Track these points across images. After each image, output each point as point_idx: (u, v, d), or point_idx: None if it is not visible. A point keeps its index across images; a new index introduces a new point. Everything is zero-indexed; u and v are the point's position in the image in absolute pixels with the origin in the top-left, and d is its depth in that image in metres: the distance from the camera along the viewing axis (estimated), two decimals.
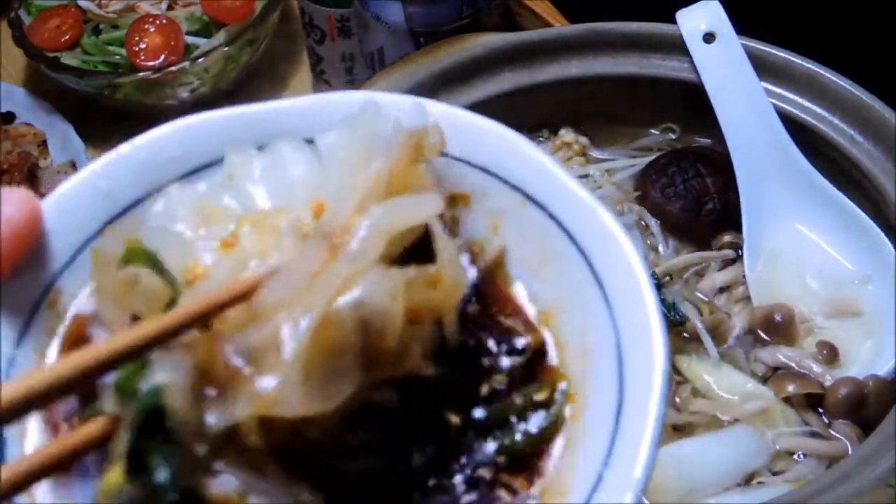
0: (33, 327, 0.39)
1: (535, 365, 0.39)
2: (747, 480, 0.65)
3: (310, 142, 0.41)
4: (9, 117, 1.06)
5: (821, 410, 0.68)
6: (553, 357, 0.39)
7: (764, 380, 0.69)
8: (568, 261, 0.39)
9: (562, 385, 0.38)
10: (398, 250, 0.37)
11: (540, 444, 0.37)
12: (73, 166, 1.00)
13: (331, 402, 0.34)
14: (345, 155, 0.39)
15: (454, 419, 0.38)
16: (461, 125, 0.41)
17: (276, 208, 0.39)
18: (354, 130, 0.40)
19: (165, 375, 0.33)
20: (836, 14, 0.91)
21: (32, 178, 0.98)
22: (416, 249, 0.38)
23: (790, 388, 0.67)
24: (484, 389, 0.39)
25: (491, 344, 0.39)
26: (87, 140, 1.02)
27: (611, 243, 0.37)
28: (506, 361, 0.39)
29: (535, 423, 0.37)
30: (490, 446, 0.37)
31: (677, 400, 0.69)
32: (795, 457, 0.66)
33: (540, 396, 0.38)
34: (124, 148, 0.42)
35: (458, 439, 0.37)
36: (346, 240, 0.35)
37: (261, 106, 0.43)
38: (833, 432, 0.67)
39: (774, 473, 0.65)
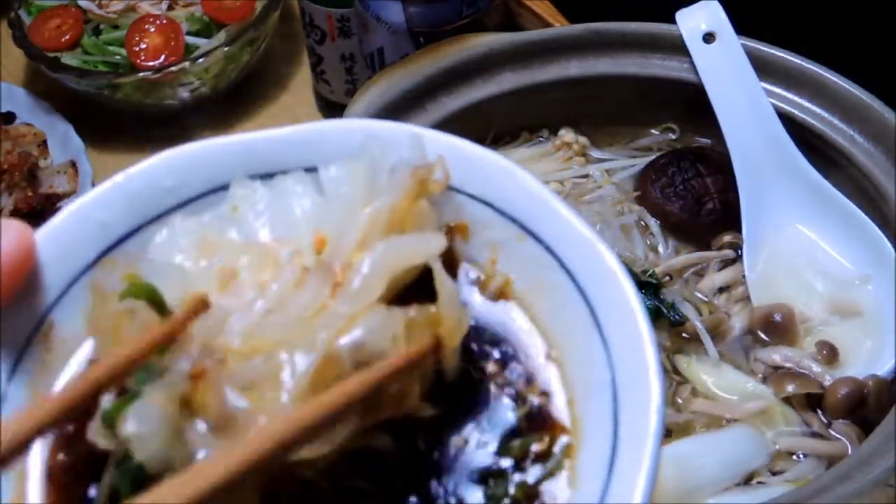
0: (25, 361, 0.38)
1: (538, 412, 0.38)
2: (747, 480, 0.65)
3: (309, 170, 0.41)
4: (9, 117, 1.06)
5: (820, 410, 0.68)
6: (556, 406, 0.38)
7: (763, 380, 0.69)
8: (565, 296, 0.38)
9: (562, 439, 0.37)
10: (399, 287, 0.37)
11: (532, 494, 0.36)
12: (73, 166, 1.00)
13: (328, 443, 0.33)
14: (347, 190, 0.39)
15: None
16: (459, 155, 0.41)
17: (276, 240, 0.39)
18: (358, 165, 0.39)
19: (137, 427, 0.32)
20: (836, 14, 0.91)
21: (32, 178, 0.99)
22: (417, 284, 0.38)
23: (790, 388, 0.67)
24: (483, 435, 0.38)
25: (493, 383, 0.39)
26: (87, 140, 1.02)
27: (608, 279, 0.37)
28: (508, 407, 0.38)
29: (532, 475, 0.37)
30: (481, 494, 0.36)
31: (678, 400, 0.69)
32: (795, 457, 0.66)
33: (538, 447, 0.37)
34: (119, 178, 0.41)
35: (451, 485, 0.37)
36: (348, 277, 0.35)
37: (258, 134, 0.43)
38: (833, 432, 0.67)
39: (774, 473, 0.65)
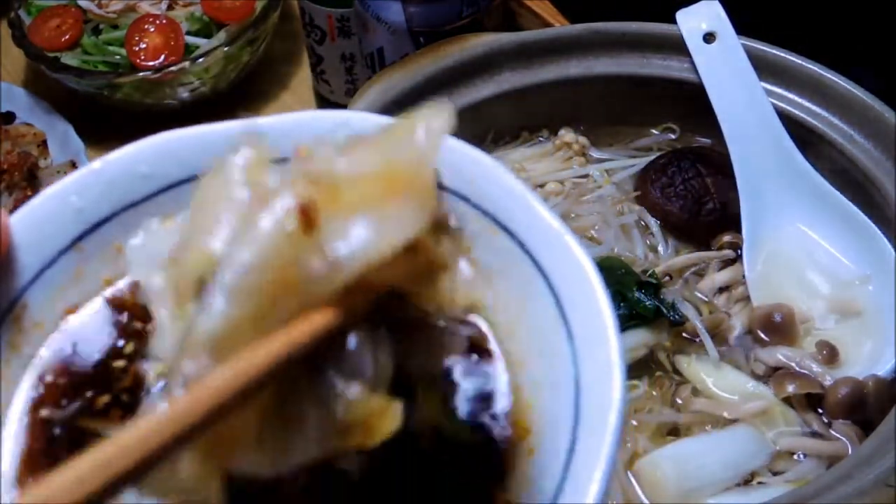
0: None
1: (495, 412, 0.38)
2: (747, 480, 0.65)
3: (281, 161, 0.40)
4: (9, 117, 1.06)
5: (821, 410, 0.68)
6: (518, 401, 0.38)
7: (764, 380, 0.69)
8: (533, 289, 0.38)
9: (526, 443, 0.37)
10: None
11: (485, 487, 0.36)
12: (73, 166, 1.00)
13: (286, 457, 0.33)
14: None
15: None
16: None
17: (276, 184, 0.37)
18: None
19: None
20: (836, 14, 0.91)
21: (32, 178, 0.99)
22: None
23: (790, 388, 0.67)
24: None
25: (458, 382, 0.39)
26: (87, 140, 1.02)
27: (577, 273, 0.37)
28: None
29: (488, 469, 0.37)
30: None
31: (678, 400, 0.69)
32: (795, 457, 0.66)
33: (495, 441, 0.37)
34: (96, 164, 0.42)
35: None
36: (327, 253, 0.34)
37: (237, 122, 0.42)
38: (833, 432, 0.67)
39: (774, 473, 0.65)
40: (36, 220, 0.40)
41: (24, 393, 0.39)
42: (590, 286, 0.36)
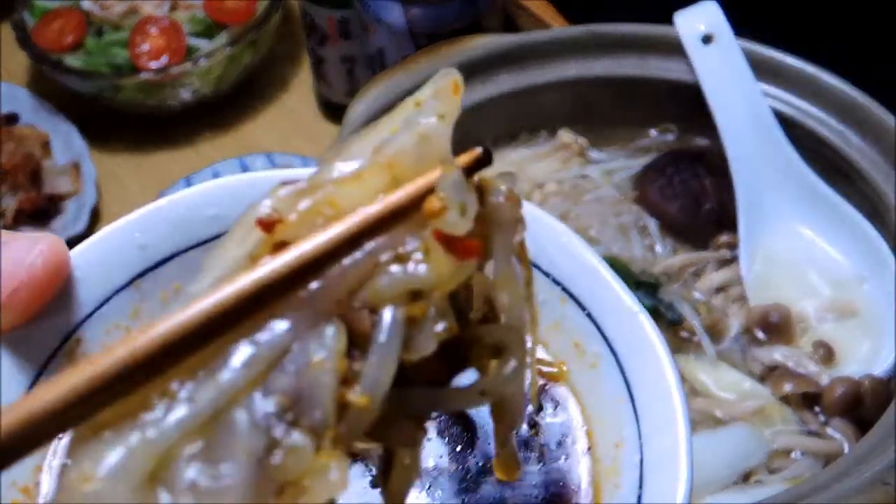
0: (47, 375, 0.38)
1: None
2: (745, 479, 0.65)
3: None
4: (12, 118, 1.07)
5: (817, 409, 0.68)
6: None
7: (761, 379, 0.70)
8: (601, 366, 0.38)
9: None
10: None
11: None
12: (76, 167, 1.00)
13: None
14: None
15: None
16: None
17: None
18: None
19: None
20: (834, 15, 0.91)
21: (35, 179, 0.99)
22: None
23: (787, 387, 0.68)
24: None
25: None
26: (90, 141, 1.03)
27: (648, 354, 0.36)
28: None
29: None
30: None
31: None
32: (792, 455, 0.66)
33: None
34: (163, 202, 0.41)
35: None
36: None
37: (304, 171, 0.43)
38: (830, 431, 0.67)
39: (771, 472, 0.66)
40: (97, 255, 0.40)
41: None
42: (659, 365, 0.35)
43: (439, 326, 0.29)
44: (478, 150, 0.31)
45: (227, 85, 1.09)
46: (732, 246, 0.77)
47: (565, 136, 0.87)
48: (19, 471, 0.36)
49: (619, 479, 0.36)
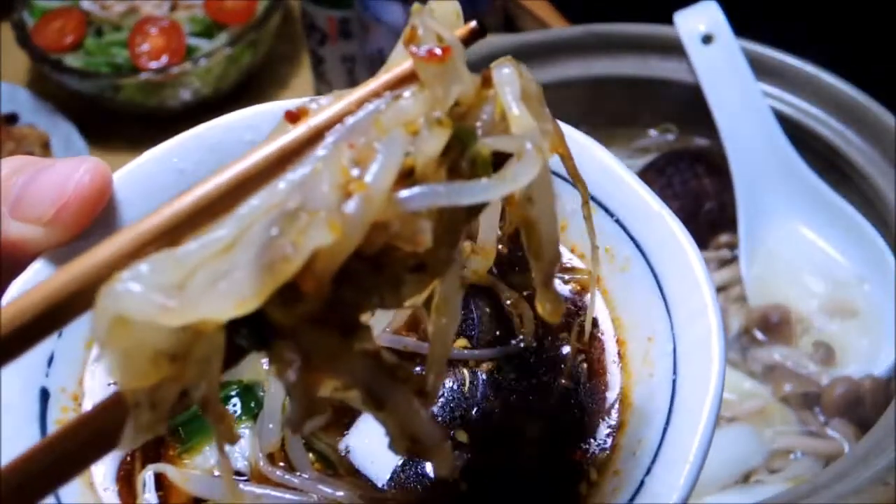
0: None
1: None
2: (745, 479, 0.65)
3: None
4: (12, 118, 1.07)
5: (817, 409, 0.68)
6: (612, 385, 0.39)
7: (761, 379, 0.70)
8: (633, 269, 0.39)
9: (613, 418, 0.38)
10: None
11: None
12: None
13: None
14: None
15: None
16: None
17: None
18: None
19: None
20: (833, 16, 0.91)
21: None
22: None
23: (787, 388, 0.68)
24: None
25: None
26: (90, 141, 1.03)
27: (675, 250, 0.37)
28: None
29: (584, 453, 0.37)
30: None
31: None
32: (792, 455, 0.66)
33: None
34: (200, 129, 0.42)
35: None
36: None
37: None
38: (829, 431, 0.67)
39: (772, 472, 0.66)
40: (138, 179, 0.40)
41: None
42: (687, 261, 0.37)
43: (436, 113, 0.31)
44: (472, 23, 0.33)
45: (228, 85, 1.09)
46: (732, 246, 0.77)
47: None
48: (68, 378, 0.38)
49: (652, 368, 0.37)
